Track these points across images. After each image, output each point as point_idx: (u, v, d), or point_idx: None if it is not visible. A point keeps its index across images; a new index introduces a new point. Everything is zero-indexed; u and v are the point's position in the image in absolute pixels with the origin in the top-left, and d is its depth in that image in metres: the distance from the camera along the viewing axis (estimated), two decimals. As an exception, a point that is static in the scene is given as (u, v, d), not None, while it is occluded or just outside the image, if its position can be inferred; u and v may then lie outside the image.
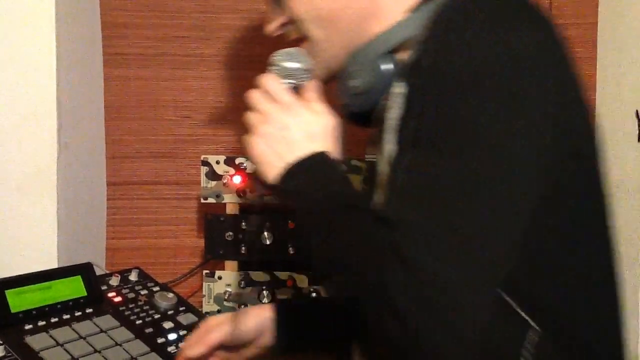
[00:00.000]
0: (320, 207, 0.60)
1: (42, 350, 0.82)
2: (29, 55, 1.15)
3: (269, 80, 0.70)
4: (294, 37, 0.76)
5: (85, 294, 0.96)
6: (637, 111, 1.24)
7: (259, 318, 0.84)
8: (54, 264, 1.15)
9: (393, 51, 0.68)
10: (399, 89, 0.61)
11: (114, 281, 1.04)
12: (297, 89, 0.71)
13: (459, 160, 0.52)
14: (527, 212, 0.54)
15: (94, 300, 0.96)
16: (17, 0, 1.14)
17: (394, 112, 0.61)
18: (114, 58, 1.39)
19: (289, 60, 0.72)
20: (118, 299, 0.99)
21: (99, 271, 1.04)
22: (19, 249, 1.16)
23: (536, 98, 0.55)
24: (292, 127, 0.66)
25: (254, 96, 0.70)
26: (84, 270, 0.98)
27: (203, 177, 1.25)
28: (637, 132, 1.24)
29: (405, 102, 0.60)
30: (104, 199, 1.40)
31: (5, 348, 0.81)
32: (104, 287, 1.01)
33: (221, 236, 1.22)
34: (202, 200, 1.25)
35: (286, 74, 0.71)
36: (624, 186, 1.29)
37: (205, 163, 1.25)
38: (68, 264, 1.03)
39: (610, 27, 1.35)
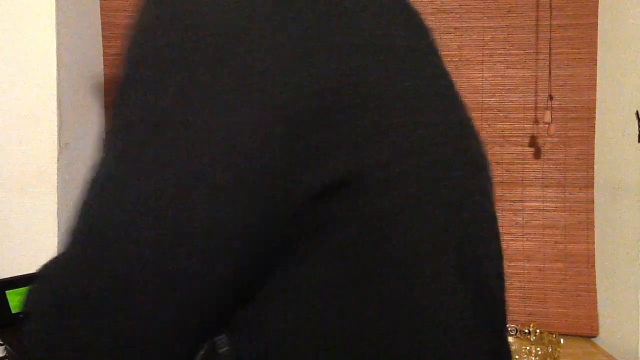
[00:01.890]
0: None
1: (42, 351, 0.82)
2: (29, 55, 1.15)
3: None
4: None
5: (86, 294, 0.96)
6: (637, 111, 1.24)
7: None
8: (54, 264, 1.15)
9: None
10: None
11: (114, 281, 1.03)
12: None
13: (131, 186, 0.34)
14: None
15: (94, 300, 0.96)
16: (17, 0, 1.14)
17: None
18: (114, 58, 1.39)
19: None
20: (118, 299, 0.99)
21: (99, 271, 1.04)
22: (19, 249, 1.16)
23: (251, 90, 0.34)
24: None
25: None
26: (84, 270, 0.98)
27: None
28: (637, 132, 1.24)
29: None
30: (104, 199, 1.40)
31: (5, 348, 0.80)
32: (104, 288, 1.01)
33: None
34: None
35: None
36: (624, 186, 1.29)
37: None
38: (68, 264, 1.03)
39: (610, 27, 1.35)
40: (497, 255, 0.47)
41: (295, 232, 0.36)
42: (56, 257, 0.38)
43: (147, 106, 0.34)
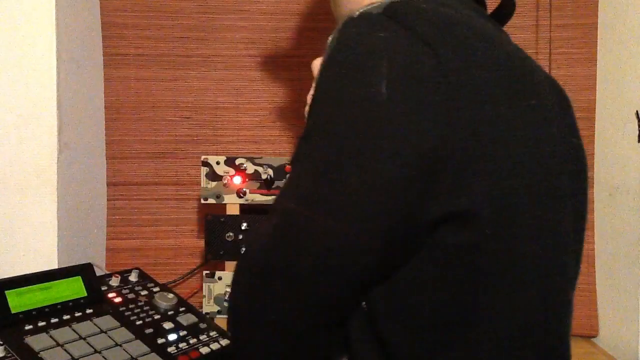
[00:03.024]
0: None
1: (42, 351, 0.82)
2: (29, 55, 1.15)
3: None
4: None
5: (86, 294, 0.96)
6: (637, 111, 1.24)
7: None
8: (54, 265, 1.15)
9: None
10: None
11: (114, 282, 1.03)
12: None
13: (323, 163, 0.51)
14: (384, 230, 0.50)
15: (94, 300, 0.95)
16: (17, 0, 1.14)
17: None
18: (114, 58, 1.39)
19: None
20: (118, 299, 0.98)
21: (99, 272, 1.04)
22: (20, 250, 1.16)
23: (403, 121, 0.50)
24: None
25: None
26: (84, 270, 0.98)
27: (203, 178, 1.25)
28: (637, 132, 1.24)
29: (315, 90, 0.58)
30: (104, 199, 1.40)
31: (5, 348, 0.80)
32: (104, 288, 1.01)
33: (221, 237, 1.22)
34: (202, 201, 1.25)
35: None
36: (624, 186, 1.29)
37: (206, 164, 1.25)
38: (68, 265, 1.03)
39: (610, 27, 1.35)
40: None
41: (418, 240, 0.51)
42: (257, 230, 0.56)
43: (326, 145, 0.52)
